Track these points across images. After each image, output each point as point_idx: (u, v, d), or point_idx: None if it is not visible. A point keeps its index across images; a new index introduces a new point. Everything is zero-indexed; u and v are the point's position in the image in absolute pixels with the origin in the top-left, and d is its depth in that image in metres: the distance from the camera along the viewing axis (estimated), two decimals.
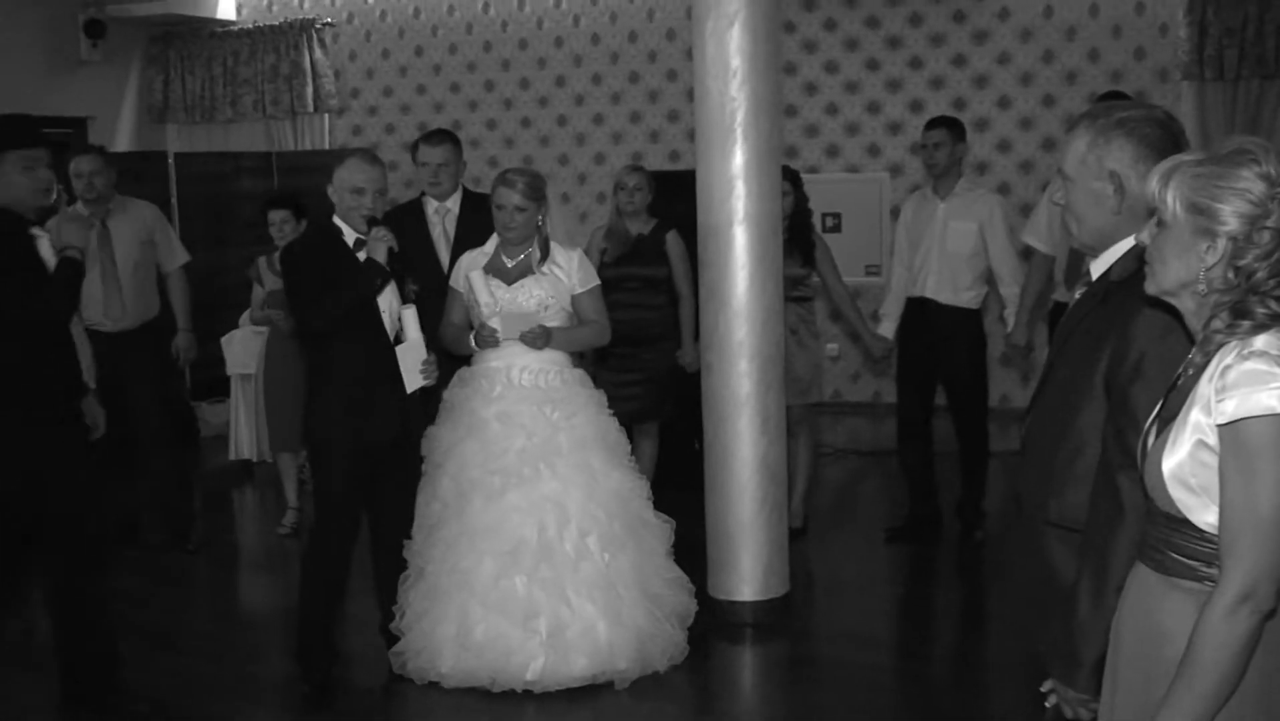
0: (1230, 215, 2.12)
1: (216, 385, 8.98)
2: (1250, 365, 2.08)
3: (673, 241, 6.48)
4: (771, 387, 5.43)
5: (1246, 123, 7.97)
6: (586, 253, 5.93)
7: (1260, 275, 2.12)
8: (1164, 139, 2.55)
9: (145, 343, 6.56)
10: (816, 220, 6.86)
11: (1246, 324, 2.13)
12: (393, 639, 4.95)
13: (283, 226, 6.67)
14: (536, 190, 4.99)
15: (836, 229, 8.77)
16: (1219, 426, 2.11)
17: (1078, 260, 4.98)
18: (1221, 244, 2.13)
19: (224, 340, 8.29)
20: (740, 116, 5.26)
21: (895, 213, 7.06)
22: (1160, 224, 2.22)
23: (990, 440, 6.56)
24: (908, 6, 8.74)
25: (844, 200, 8.88)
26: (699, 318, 5.57)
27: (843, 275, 6.63)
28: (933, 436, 6.60)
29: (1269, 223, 2.11)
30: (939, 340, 6.40)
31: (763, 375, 5.39)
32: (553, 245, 5.08)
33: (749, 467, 5.40)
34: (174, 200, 9.36)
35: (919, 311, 6.45)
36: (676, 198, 6.52)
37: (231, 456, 8.32)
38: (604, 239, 6.56)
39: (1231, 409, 2.08)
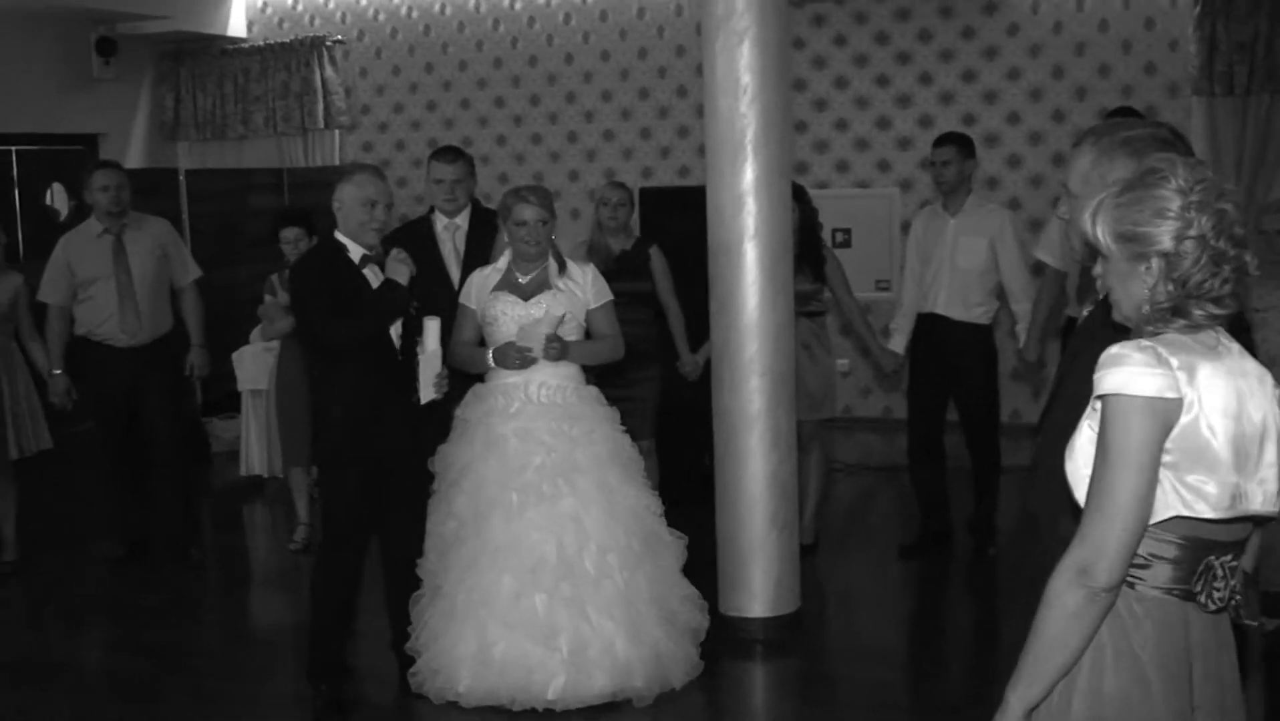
0: (1155, 235, 2.19)
1: (228, 401, 9.00)
2: (1117, 348, 2.18)
3: (655, 256, 6.46)
4: (782, 404, 5.43)
5: (1257, 138, 7.96)
6: None
7: (1195, 280, 2.18)
8: None
9: (159, 358, 6.59)
10: (826, 235, 6.85)
11: (1181, 322, 2.20)
12: (405, 657, 4.93)
13: (296, 244, 6.65)
14: (550, 202, 5.02)
15: (847, 244, 8.77)
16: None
17: (1090, 276, 4.98)
18: (1155, 263, 2.20)
19: (235, 356, 8.31)
20: (750, 133, 5.27)
21: (905, 228, 7.06)
22: (1103, 259, 2.30)
23: (1002, 455, 6.54)
24: (917, 22, 8.75)
25: (854, 215, 8.87)
26: (710, 333, 5.57)
27: (853, 290, 6.63)
28: (944, 452, 6.58)
29: (1190, 232, 2.17)
30: (950, 356, 6.39)
31: (774, 391, 5.39)
32: (567, 259, 5.08)
33: (760, 484, 5.40)
34: (185, 217, 9.39)
35: (930, 327, 6.44)
36: (686, 214, 6.52)
37: (243, 472, 8.34)
38: (586, 255, 6.45)
39: (1097, 387, 2.19)
